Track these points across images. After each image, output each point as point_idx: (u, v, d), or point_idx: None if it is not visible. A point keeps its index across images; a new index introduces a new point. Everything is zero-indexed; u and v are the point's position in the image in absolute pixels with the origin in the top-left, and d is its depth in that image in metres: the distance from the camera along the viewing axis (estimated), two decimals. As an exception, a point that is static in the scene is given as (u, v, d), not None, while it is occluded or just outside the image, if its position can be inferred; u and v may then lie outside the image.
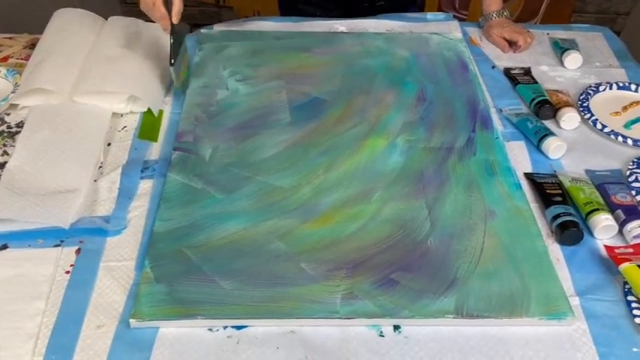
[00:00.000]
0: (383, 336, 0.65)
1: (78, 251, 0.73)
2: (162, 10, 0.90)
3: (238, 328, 0.65)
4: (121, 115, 0.94)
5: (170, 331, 0.65)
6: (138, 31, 1.03)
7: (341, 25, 1.17)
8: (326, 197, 0.80)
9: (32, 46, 1.05)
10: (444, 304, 0.67)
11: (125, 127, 0.92)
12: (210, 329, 0.65)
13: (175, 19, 0.92)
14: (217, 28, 1.16)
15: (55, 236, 0.74)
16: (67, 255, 0.72)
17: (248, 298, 0.67)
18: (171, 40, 0.91)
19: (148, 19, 1.05)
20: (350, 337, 0.65)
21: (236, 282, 0.69)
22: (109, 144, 0.89)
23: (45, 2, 1.23)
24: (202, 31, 1.14)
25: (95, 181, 0.82)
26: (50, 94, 0.93)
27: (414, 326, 0.66)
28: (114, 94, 0.93)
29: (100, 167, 0.85)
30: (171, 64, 0.90)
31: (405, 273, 0.70)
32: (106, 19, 1.07)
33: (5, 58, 1.05)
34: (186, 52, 0.99)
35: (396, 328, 0.66)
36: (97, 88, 0.93)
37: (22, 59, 1.05)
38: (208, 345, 0.64)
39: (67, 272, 0.70)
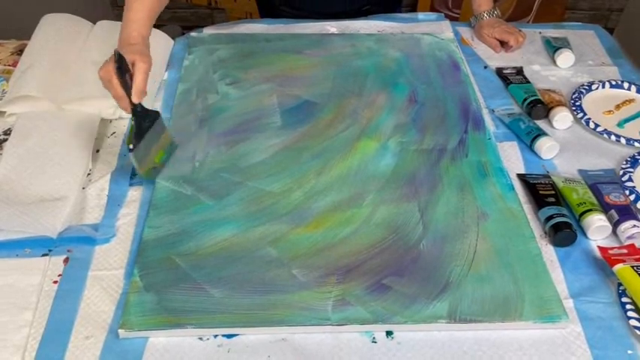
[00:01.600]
0: (375, 342, 0.64)
1: (66, 260, 0.72)
2: (119, 89, 0.77)
3: (229, 336, 0.65)
4: (110, 121, 0.93)
5: (160, 340, 0.64)
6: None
7: (332, 27, 1.16)
8: (317, 201, 0.79)
9: (20, 51, 1.04)
10: (436, 309, 0.66)
11: (114, 132, 0.91)
12: (200, 338, 0.64)
13: (136, 99, 0.77)
14: (207, 31, 1.15)
15: (42, 245, 0.73)
16: (54, 264, 0.71)
17: (239, 307, 0.66)
18: (132, 122, 0.78)
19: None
20: (342, 343, 0.64)
21: (226, 290, 0.68)
22: (97, 150, 0.88)
23: (33, 7, 1.22)
24: (192, 34, 1.13)
25: (83, 188, 0.81)
26: (38, 101, 0.92)
27: (407, 332, 0.65)
28: (102, 99, 0.92)
29: (89, 174, 0.84)
30: (130, 150, 0.75)
31: (397, 278, 0.69)
32: (95, 24, 1.06)
33: (-8, 65, 1.04)
34: (165, 130, 0.84)
35: (389, 333, 0.65)
36: (85, 94, 0.92)
37: (9, 65, 1.03)
38: (199, 354, 0.63)
39: (55, 282, 0.69)
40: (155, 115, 0.81)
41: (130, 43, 0.82)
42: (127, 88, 0.77)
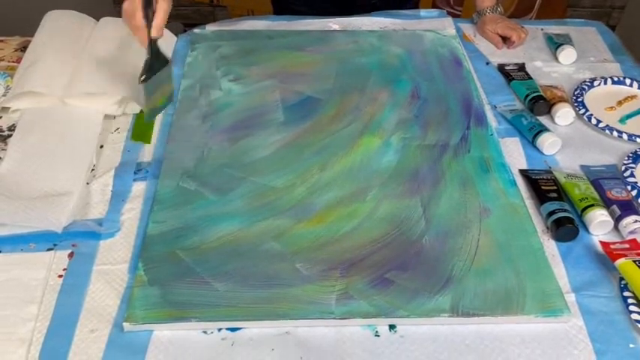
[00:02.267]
0: (378, 336, 0.65)
1: (71, 255, 0.72)
2: (141, 21, 0.79)
3: (233, 330, 0.65)
4: (114, 117, 0.93)
5: (164, 333, 0.65)
6: (130, 32, 1.02)
7: (334, 24, 1.16)
8: (320, 197, 0.80)
9: (23, 48, 1.05)
10: (439, 303, 0.67)
11: (118, 128, 0.92)
12: (204, 331, 0.65)
13: (155, 33, 0.80)
14: (210, 27, 1.15)
15: (47, 240, 0.73)
16: (59, 259, 0.72)
17: (243, 300, 0.67)
18: (147, 56, 0.81)
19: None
20: (345, 337, 0.65)
21: (230, 283, 0.68)
22: (101, 146, 0.88)
23: (36, 4, 1.22)
24: (195, 30, 1.13)
25: (88, 183, 0.82)
26: (42, 97, 0.92)
27: (410, 325, 0.66)
28: (106, 96, 0.92)
29: (93, 170, 0.84)
30: (141, 81, 0.80)
31: (400, 272, 0.70)
32: (98, 21, 1.07)
33: (-4, 61, 1.05)
34: (171, 81, 0.88)
35: (392, 327, 0.65)
36: (88, 90, 0.92)
37: (13, 62, 1.04)
38: (203, 347, 0.63)
39: (60, 276, 0.70)
40: (165, 61, 0.84)
41: None
42: (148, 22, 0.79)
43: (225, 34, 1.13)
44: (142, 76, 0.80)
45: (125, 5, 0.80)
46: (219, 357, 0.63)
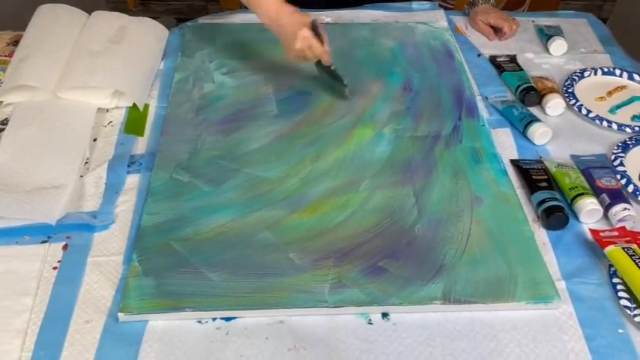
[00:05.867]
0: (371, 323, 0.65)
1: (65, 247, 0.73)
2: (319, 46, 0.91)
3: (227, 319, 0.66)
4: (107, 111, 0.94)
5: (159, 323, 0.65)
6: (122, 26, 1.03)
7: (326, 17, 1.16)
8: (313, 187, 0.80)
9: (16, 42, 1.04)
10: (431, 291, 0.67)
11: (111, 122, 0.92)
12: (199, 321, 0.65)
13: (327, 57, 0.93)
14: (203, 21, 1.15)
15: (42, 232, 0.74)
16: (54, 251, 0.72)
17: (237, 290, 0.67)
18: (333, 67, 0.94)
19: (131, 14, 1.04)
20: (339, 325, 0.65)
21: (224, 273, 0.69)
22: (94, 139, 0.88)
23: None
24: (188, 24, 1.14)
25: (81, 176, 0.82)
26: (35, 91, 0.92)
27: (403, 313, 0.66)
28: (99, 89, 0.93)
29: (86, 163, 0.84)
30: (345, 85, 0.94)
31: (392, 260, 0.70)
32: (90, 14, 1.07)
33: (-12, 56, 1.05)
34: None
35: (385, 315, 0.66)
36: (81, 84, 0.92)
37: (5, 56, 1.04)
38: (198, 337, 0.64)
39: (55, 268, 0.70)
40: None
41: (291, 12, 0.92)
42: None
43: (218, 27, 1.13)
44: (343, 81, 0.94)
45: (301, 42, 0.89)
46: (214, 346, 0.63)
